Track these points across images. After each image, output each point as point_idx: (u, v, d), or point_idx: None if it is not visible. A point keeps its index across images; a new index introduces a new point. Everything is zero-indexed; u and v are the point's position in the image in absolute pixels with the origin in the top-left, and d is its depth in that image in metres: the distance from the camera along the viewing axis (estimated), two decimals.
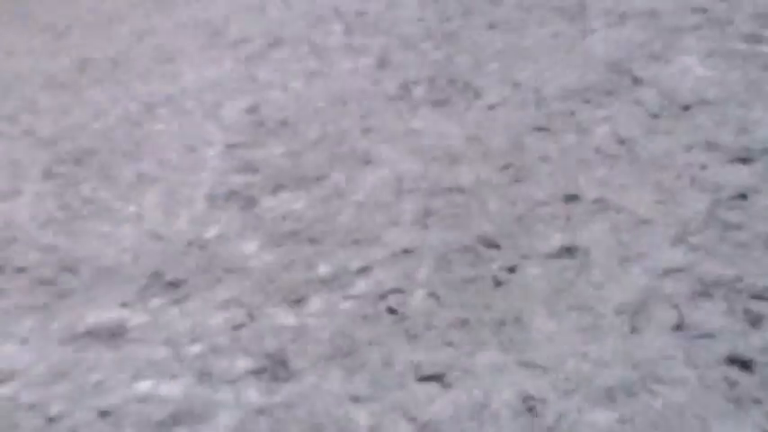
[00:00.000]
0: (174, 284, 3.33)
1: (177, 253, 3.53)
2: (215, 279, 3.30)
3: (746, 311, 2.52)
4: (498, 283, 2.88)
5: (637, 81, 3.91)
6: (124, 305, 3.29)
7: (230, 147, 4.27)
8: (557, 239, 3.02)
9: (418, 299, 2.91)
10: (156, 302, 3.27)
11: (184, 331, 3.06)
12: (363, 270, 3.13)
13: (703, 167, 3.20)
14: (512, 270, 2.93)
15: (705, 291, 2.62)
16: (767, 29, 4.05)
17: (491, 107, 4.03)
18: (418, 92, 4.37)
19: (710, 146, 3.32)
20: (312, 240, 3.38)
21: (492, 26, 4.88)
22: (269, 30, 5.71)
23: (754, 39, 4.00)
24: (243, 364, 2.84)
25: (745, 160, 3.19)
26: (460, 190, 3.46)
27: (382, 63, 4.79)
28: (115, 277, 3.47)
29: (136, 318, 3.20)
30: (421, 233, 3.26)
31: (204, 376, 2.83)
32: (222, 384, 2.79)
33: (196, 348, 2.97)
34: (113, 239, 3.74)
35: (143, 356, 2.98)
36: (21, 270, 3.75)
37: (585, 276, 2.81)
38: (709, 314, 2.54)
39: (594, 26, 4.55)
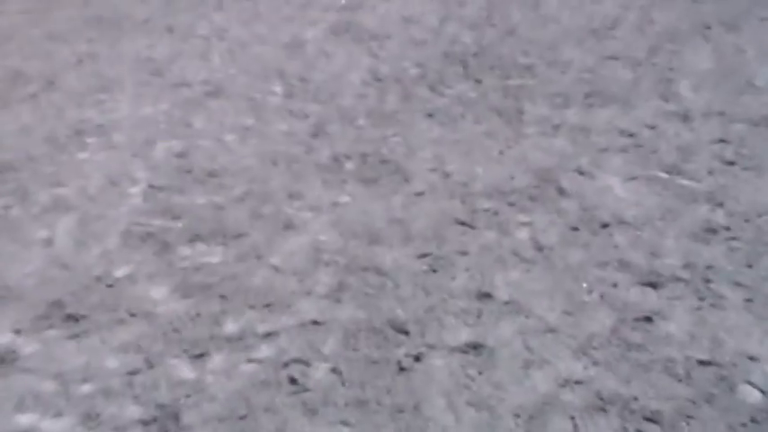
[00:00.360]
0: (74, 318, 3.24)
1: (82, 286, 3.45)
2: (117, 320, 3.23)
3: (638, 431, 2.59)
4: (402, 369, 2.90)
5: (561, 192, 4.03)
6: (17, 331, 3.19)
7: (154, 188, 4.22)
8: (465, 334, 3.06)
9: (321, 372, 2.91)
10: (51, 333, 3.18)
11: (77, 368, 2.98)
12: (270, 335, 3.11)
13: (614, 285, 3.31)
14: (417, 358, 2.95)
15: (601, 406, 2.69)
16: (688, 163, 4.24)
17: (418, 194, 4.09)
18: (349, 166, 4.41)
19: (623, 265, 3.43)
20: (222, 296, 3.35)
21: (430, 115, 4.98)
22: (210, 79, 5.70)
23: (675, 170, 4.18)
24: (133, 411, 2.78)
25: (654, 284, 3.30)
26: (377, 270, 3.49)
27: (317, 132, 4.83)
28: (13, 301, 3.36)
29: (28, 346, 3.11)
30: (332, 307, 3.26)
31: (90, 419, 2.76)
32: (107, 430, 2.71)
33: (86, 388, 2.89)
34: (18, 261, 3.63)
35: (30, 388, 2.89)
36: None
37: (488, 375, 2.85)
38: (603, 429, 2.60)
39: (528, 132, 4.69)
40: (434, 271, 3.46)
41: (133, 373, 2.95)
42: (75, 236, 3.83)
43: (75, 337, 3.15)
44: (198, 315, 3.24)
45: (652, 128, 4.67)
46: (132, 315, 3.26)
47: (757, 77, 5.32)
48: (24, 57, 6.29)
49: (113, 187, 4.26)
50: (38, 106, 5.32)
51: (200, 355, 3.01)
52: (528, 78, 5.50)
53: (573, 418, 2.65)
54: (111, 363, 3.00)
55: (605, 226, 3.74)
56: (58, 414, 2.78)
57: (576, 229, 3.73)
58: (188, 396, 2.82)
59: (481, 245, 3.64)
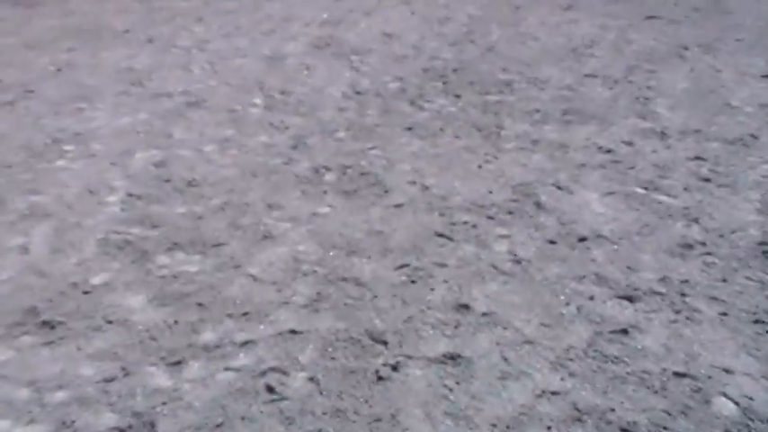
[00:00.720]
0: (50, 325, 3.22)
1: (58, 293, 3.42)
2: (94, 327, 3.21)
3: None
4: (380, 379, 2.89)
5: (539, 206, 4.06)
6: None
7: (132, 197, 4.21)
8: (442, 345, 3.07)
9: (298, 381, 2.90)
10: (26, 340, 3.14)
11: (52, 375, 2.95)
12: (247, 344, 3.10)
13: (591, 299, 3.33)
14: (395, 368, 2.95)
15: (578, 417, 2.70)
16: (664, 179, 4.29)
17: (397, 206, 4.11)
18: (328, 178, 4.42)
19: (600, 279, 3.46)
20: (200, 305, 3.34)
21: (410, 128, 5.01)
22: (190, 90, 5.70)
23: (652, 186, 4.23)
24: (108, 419, 2.75)
25: (630, 298, 3.33)
26: (356, 281, 3.49)
27: (297, 144, 4.83)
28: None
29: (2, 353, 3.07)
30: (310, 317, 3.25)
31: (65, 426, 2.73)
32: None
33: (61, 395, 2.86)
34: None
35: (3, 395, 2.85)
36: None
37: (466, 386, 2.85)
38: None
39: (507, 147, 4.72)
40: (413, 282, 3.47)
41: (109, 380, 2.92)
42: (51, 243, 3.81)
43: (50, 344, 3.12)
44: (175, 323, 3.22)
45: (629, 145, 4.72)
46: (109, 323, 3.23)
47: (733, 98, 5.39)
48: (1, 65, 6.26)
49: (91, 196, 4.24)
50: (15, 114, 5.29)
51: (177, 363, 3.00)
52: (507, 95, 5.54)
53: (549, 428, 2.66)
54: (87, 370, 2.98)
55: (583, 240, 3.76)
56: (32, 421, 2.75)
57: (553, 242, 3.75)
58: (164, 404, 2.80)
59: (459, 257, 3.65)
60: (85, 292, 3.43)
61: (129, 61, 6.38)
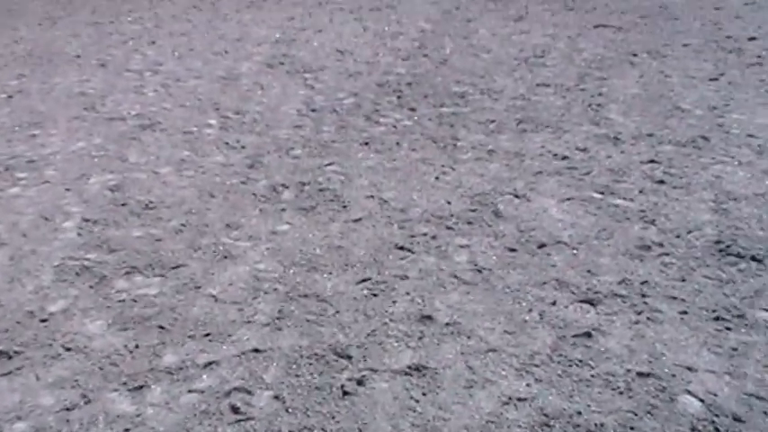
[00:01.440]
0: (7, 355, 3.16)
1: (15, 322, 3.36)
2: (52, 355, 3.15)
3: None
4: (346, 394, 2.88)
5: (498, 215, 4.08)
6: None
7: (88, 222, 4.15)
8: (407, 357, 3.06)
9: (263, 400, 2.87)
10: None
11: (11, 407, 2.89)
12: (210, 365, 3.07)
13: (553, 304, 3.35)
14: (360, 382, 2.94)
15: (546, 422, 2.70)
16: (620, 183, 4.33)
17: (356, 220, 4.10)
18: (286, 196, 4.40)
19: (561, 284, 3.47)
20: (161, 328, 3.30)
21: (366, 143, 5.01)
22: (144, 112, 5.66)
23: (608, 190, 4.27)
24: None
25: (592, 301, 3.35)
26: (318, 297, 3.47)
27: (254, 163, 4.81)
28: None
29: None
30: (273, 335, 3.23)
31: None
32: None
33: (21, 426, 2.81)
34: None
35: None
36: None
37: (432, 397, 2.85)
38: None
39: (463, 158, 4.74)
40: (375, 296, 3.46)
41: (70, 409, 2.87)
42: (7, 272, 3.74)
43: (7, 374, 3.06)
44: (136, 347, 3.18)
45: (584, 151, 4.77)
46: (68, 350, 3.18)
47: (682, 101, 5.47)
48: None
49: (46, 222, 4.18)
50: None
51: (140, 388, 2.96)
52: (461, 106, 5.57)
53: None
54: (47, 399, 2.92)
55: (542, 246, 3.79)
56: None
57: (513, 250, 3.77)
58: (127, 430, 2.76)
59: (421, 269, 3.65)
60: (43, 320, 3.37)
61: (81, 86, 6.32)
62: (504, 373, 2.96)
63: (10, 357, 3.15)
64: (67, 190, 4.53)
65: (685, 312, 3.27)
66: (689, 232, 3.86)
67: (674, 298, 3.37)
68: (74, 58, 7.07)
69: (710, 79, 5.90)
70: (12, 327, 3.34)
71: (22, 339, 3.26)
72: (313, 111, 5.63)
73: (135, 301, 3.49)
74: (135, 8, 8.84)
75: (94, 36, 7.80)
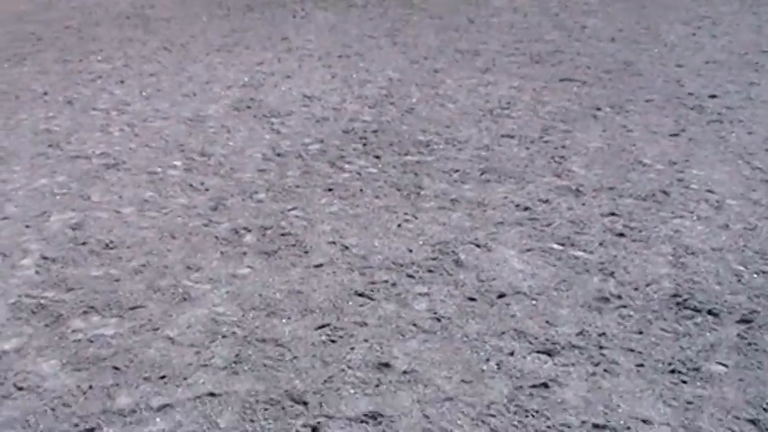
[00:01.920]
0: None
1: None
2: (3, 394, 3.10)
3: None
4: None
5: (459, 264, 4.10)
6: None
7: (47, 260, 4.12)
8: (363, 404, 3.05)
9: None
10: None
11: None
12: (164, 407, 3.04)
13: (511, 354, 3.36)
14: (315, 429, 2.92)
15: None
16: (580, 235, 4.38)
17: (317, 266, 4.10)
18: (248, 239, 4.39)
19: (519, 334, 3.49)
20: (116, 369, 3.26)
21: (330, 189, 5.03)
22: (109, 151, 5.64)
23: (569, 242, 4.31)
24: None
25: (549, 352, 3.37)
26: (275, 342, 3.46)
27: (217, 205, 4.81)
28: None
29: None
30: (229, 379, 3.21)
31: None
32: None
33: None
34: None
35: None
36: None
37: None
38: None
39: (426, 206, 4.77)
40: (333, 342, 3.45)
41: None
42: None
43: None
44: (90, 388, 3.14)
45: (546, 202, 4.82)
46: (20, 389, 3.13)
47: (644, 156, 5.57)
48: None
49: (4, 258, 4.14)
50: None
51: (91, 430, 2.91)
52: (426, 155, 5.62)
53: None
54: None
55: (502, 296, 3.81)
56: None
57: (473, 299, 3.79)
58: None
59: (380, 316, 3.65)
60: None
61: (47, 123, 6.29)
62: (460, 422, 2.96)
63: None
64: (27, 227, 4.49)
65: (642, 365, 3.30)
66: (647, 285, 3.91)
67: (631, 350, 3.40)
68: (41, 95, 7.04)
69: (671, 135, 6.00)
70: None
71: None
72: (278, 155, 5.65)
73: (91, 342, 3.46)
74: (104, 47, 8.84)
75: (62, 74, 7.79)
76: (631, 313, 3.67)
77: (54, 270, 4.04)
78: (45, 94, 7.11)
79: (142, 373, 3.24)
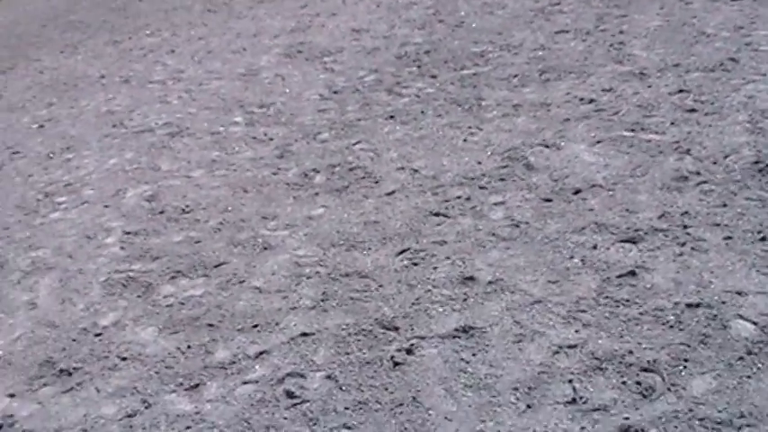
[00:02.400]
0: (67, 372, 3.23)
1: (70, 340, 3.43)
2: (109, 366, 3.22)
3: (638, 384, 2.59)
4: (396, 365, 2.89)
5: (530, 167, 4.04)
6: (12, 396, 3.17)
7: (129, 234, 4.22)
8: (453, 320, 3.06)
9: (317, 382, 2.89)
10: (46, 391, 3.16)
11: (76, 420, 2.96)
12: (261, 354, 3.10)
13: (594, 248, 3.31)
14: (409, 351, 2.94)
15: (598, 365, 2.68)
16: (650, 118, 4.26)
17: (389, 194, 4.10)
18: (318, 180, 4.41)
19: (600, 227, 3.44)
20: (210, 326, 3.34)
21: (391, 117, 5.00)
22: (171, 120, 5.71)
23: (639, 127, 4.20)
24: None
25: (633, 240, 3.31)
26: (359, 274, 3.48)
27: (283, 153, 4.83)
28: (5, 367, 3.35)
29: (25, 408, 3.08)
30: (319, 317, 3.25)
31: None
32: None
33: None
34: (5, 328, 3.61)
35: None
36: None
37: (482, 355, 2.84)
38: (603, 388, 2.60)
39: (489, 116, 4.70)
40: (415, 264, 3.46)
41: (131, 415, 2.93)
42: (58, 294, 3.82)
43: (69, 390, 3.13)
44: (188, 348, 3.23)
45: (610, 91, 4.70)
46: (123, 359, 3.24)
47: (707, 26, 5.36)
48: None
49: (89, 241, 4.25)
50: (5, 176, 5.32)
51: (196, 387, 3.00)
52: (482, 66, 5.52)
53: (571, 381, 2.65)
54: (109, 409, 2.99)
55: (577, 192, 3.75)
56: None
57: (548, 200, 3.73)
58: (188, 428, 2.81)
59: (458, 232, 3.64)
60: (97, 335, 3.44)
61: (108, 104, 6.40)
62: (551, 322, 2.94)
63: (70, 374, 3.22)
64: (106, 207, 4.60)
65: (729, 237, 3.21)
66: (726, 157, 3.79)
67: (717, 225, 3.31)
68: (98, 79, 7.15)
69: (733, 0, 5.76)
70: (68, 345, 3.41)
71: (79, 356, 3.33)
72: (335, 93, 5.63)
73: (182, 304, 3.54)
74: (151, 21, 8.90)
75: (115, 55, 7.88)
76: (713, 188, 3.57)
77: (137, 243, 4.13)
78: (102, 77, 7.21)
79: (235, 325, 3.31)
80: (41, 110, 6.62)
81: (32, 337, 3.53)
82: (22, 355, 3.41)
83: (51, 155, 5.57)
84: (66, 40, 8.88)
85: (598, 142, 4.15)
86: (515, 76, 5.23)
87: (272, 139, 5.08)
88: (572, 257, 3.29)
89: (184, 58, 7.30)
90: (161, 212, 4.40)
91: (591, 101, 4.62)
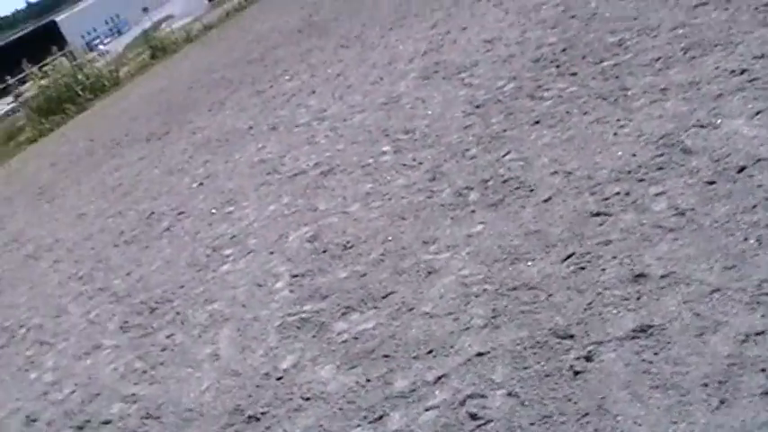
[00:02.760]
0: (255, 418, 3.35)
1: (255, 387, 3.56)
2: (294, 408, 3.31)
3: None
4: (576, 374, 2.83)
5: (687, 151, 3.88)
6: None
7: (296, 277, 4.34)
8: (630, 321, 2.97)
9: (498, 401, 2.87)
10: None
11: None
12: (440, 379, 3.11)
13: None
14: (588, 358, 2.87)
15: None
16: None
17: (546, 200, 4.03)
18: (472, 197, 4.40)
19: None
20: (386, 357, 3.38)
21: (537, 122, 4.93)
22: (321, 160, 5.86)
23: None
24: None
25: None
26: (526, 286, 3.44)
27: (434, 175, 4.85)
28: (198, 419, 3.50)
29: None
30: (492, 335, 3.23)
31: None
32: None
33: None
34: (193, 381, 3.79)
35: None
36: (105, 423, 3.82)
37: (665, 354, 2.74)
38: None
39: (637, 105, 4.56)
40: (582, 269, 3.38)
41: None
42: (237, 343, 3.97)
43: None
44: (368, 381, 3.28)
45: (762, 57, 4.45)
46: (306, 399, 3.33)
47: None
48: (152, 197, 6.65)
49: (260, 288, 4.40)
50: (175, 236, 5.60)
51: (380, 418, 3.04)
52: (622, 54, 5.37)
53: (764, 371, 2.51)
54: None
55: (742, 170, 3.56)
56: None
57: (712, 182, 3.57)
58: None
59: (622, 229, 3.53)
60: (278, 378, 3.55)
61: (259, 153, 6.63)
62: (734, 310, 2.80)
63: (258, 419, 3.34)
64: (271, 253, 4.76)
65: None
66: None
67: None
68: (247, 131, 7.44)
69: None
70: (253, 391, 3.54)
71: (264, 401, 3.44)
72: (477, 107, 5.61)
73: (356, 339, 3.60)
74: (289, 67, 9.19)
75: (260, 104, 8.18)
76: None
77: (305, 284, 4.25)
78: (250, 128, 7.49)
79: (410, 353, 3.34)
80: (198, 168, 6.94)
81: (219, 387, 3.68)
82: (211, 406, 3.56)
83: (214, 210, 5.81)
84: (212, 98, 9.29)
85: (757, 113, 3.93)
86: (658, 59, 5.05)
87: (421, 164, 5.11)
88: (746, 239, 3.12)
89: (325, 97, 7.48)
90: (324, 251, 4.51)
91: (743, 71, 4.40)
